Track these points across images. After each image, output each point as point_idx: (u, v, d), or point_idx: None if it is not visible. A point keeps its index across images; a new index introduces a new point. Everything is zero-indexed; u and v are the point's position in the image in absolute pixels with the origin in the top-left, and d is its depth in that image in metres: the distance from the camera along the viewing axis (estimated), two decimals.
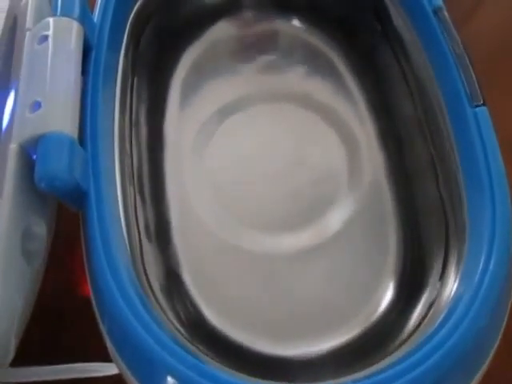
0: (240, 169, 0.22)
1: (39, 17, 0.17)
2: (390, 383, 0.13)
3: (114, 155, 0.18)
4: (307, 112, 0.23)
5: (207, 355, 0.17)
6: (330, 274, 0.20)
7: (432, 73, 0.19)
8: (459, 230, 0.17)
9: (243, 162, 0.22)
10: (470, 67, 0.17)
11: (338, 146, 0.22)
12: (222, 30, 0.25)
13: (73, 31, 0.17)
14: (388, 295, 0.19)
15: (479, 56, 0.19)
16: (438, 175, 0.19)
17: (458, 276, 0.16)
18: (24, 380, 0.17)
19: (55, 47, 0.16)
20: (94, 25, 0.19)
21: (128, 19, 0.21)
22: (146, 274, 0.18)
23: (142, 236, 0.19)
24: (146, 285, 0.17)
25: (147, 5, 0.22)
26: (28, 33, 0.17)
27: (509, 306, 0.16)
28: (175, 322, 0.18)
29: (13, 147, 0.15)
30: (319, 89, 0.23)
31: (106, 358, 0.19)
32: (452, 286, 0.16)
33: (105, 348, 0.16)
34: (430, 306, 0.17)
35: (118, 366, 0.16)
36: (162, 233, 0.20)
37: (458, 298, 0.15)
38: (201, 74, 0.24)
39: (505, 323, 0.16)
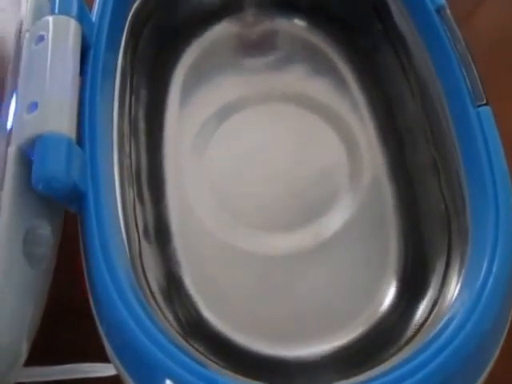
0: (240, 169, 0.22)
1: (38, 17, 0.17)
2: None
3: (112, 156, 0.18)
4: (307, 112, 0.23)
5: (207, 357, 0.17)
6: (330, 275, 0.20)
7: (434, 72, 0.19)
8: (462, 231, 0.17)
9: (243, 163, 0.22)
10: (473, 66, 0.17)
11: (338, 145, 0.22)
12: (222, 30, 0.25)
13: (70, 30, 0.17)
14: (389, 296, 0.19)
15: (480, 55, 0.19)
16: (440, 176, 0.19)
17: (461, 278, 0.16)
18: (30, 380, 0.17)
19: (52, 46, 0.16)
20: (93, 23, 0.19)
21: (127, 18, 0.21)
22: (145, 276, 0.18)
23: (141, 237, 0.19)
24: (146, 287, 0.17)
25: (146, 3, 0.22)
26: (27, 34, 0.17)
27: None
28: (174, 323, 0.18)
29: (11, 150, 0.15)
30: (320, 88, 0.23)
31: (105, 359, 0.19)
32: (454, 287, 0.16)
33: (103, 349, 0.16)
34: (432, 307, 0.17)
35: (117, 369, 0.16)
36: (161, 234, 0.20)
37: (460, 300, 0.15)
38: (201, 74, 0.24)
39: (508, 326, 0.16)
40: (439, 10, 0.18)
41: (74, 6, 0.17)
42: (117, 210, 0.17)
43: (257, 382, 0.15)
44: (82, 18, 0.18)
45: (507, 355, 0.16)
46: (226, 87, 0.23)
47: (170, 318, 0.18)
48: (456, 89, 0.17)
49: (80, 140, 0.16)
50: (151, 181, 0.21)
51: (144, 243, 0.19)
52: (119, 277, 0.15)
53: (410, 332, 0.17)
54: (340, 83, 0.23)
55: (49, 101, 0.15)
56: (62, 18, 0.17)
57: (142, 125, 0.22)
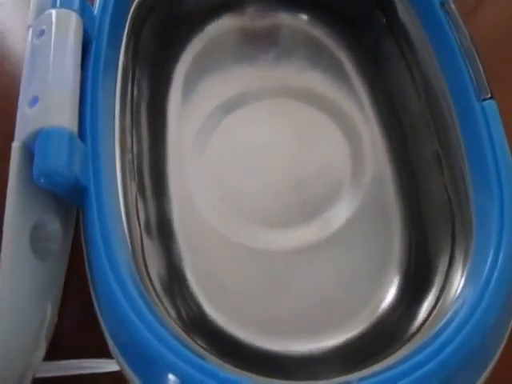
0: (242, 164, 0.22)
1: (40, 11, 0.17)
2: (396, 382, 0.13)
3: (114, 150, 0.18)
4: (310, 106, 0.23)
5: (208, 352, 0.17)
6: (333, 271, 0.20)
7: (438, 66, 0.19)
8: (466, 225, 0.17)
9: (245, 157, 0.22)
10: (478, 60, 0.17)
11: (341, 140, 0.22)
12: (224, 24, 0.24)
13: (72, 24, 0.17)
14: (392, 292, 0.19)
15: (484, 50, 0.19)
16: (444, 170, 0.19)
17: (465, 273, 0.16)
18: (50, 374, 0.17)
19: (54, 40, 0.16)
20: (94, 17, 0.19)
21: (129, 12, 0.21)
22: (146, 271, 0.18)
23: (142, 232, 0.19)
24: (147, 281, 0.17)
25: None
26: (30, 29, 0.17)
27: None
28: (176, 318, 0.18)
29: (15, 145, 0.15)
30: (322, 83, 0.23)
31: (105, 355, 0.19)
32: (459, 282, 0.16)
33: (104, 345, 0.16)
34: (436, 303, 0.17)
35: (119, 364, 0.16)
36: (163, 229, 0.20)
37: (465, 295, 0.15)
38: (203, 69, 0.24)
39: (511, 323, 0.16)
40: (443, 3, 0.18)
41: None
42: (119, 205, 0.17)
43: (258, 376, 0.15)
44: (84, 11, 0.18)
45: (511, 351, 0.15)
46: (229, 81, 0.23)
47: (172, 312, 0.18)
48: (460, 83, 0.17)
49: (82, 134, 0.16)
50: (153, 175, 0.21)
51: (146, 238, 0.19)
52: (121, 271, 0.15)
53: (413, 328, 0.17)
54: (343, 78, 0.23)
55: (50, 95, 0.15)
56: (64, 11, 0.17)
57: (143, 119, 0.22)
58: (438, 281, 0.17)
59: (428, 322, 0.16)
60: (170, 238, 0.20)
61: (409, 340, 0.16)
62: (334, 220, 0.20)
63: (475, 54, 0.17)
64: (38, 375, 0.18)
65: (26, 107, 0.15)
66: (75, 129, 0.16)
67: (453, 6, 0.18)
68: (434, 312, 0.16)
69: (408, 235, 0.20)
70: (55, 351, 0.18)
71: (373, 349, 0.17)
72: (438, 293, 0.17)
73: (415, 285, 0.19)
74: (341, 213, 0.21)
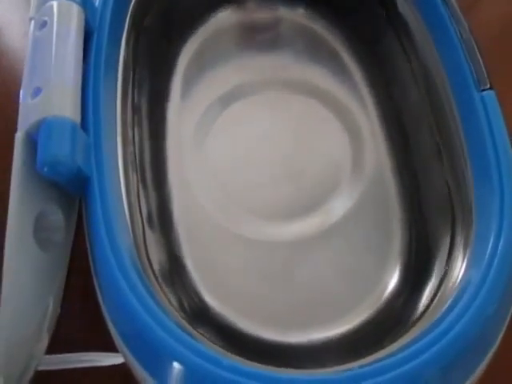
0: (242, 157, 0.22)
1: (42, 3, 0.17)
2: (397, 368, 0.13)
3: (116, 142, 0.18)
4: (310, 99, 0.23)
5: (209, 340, 0.17)
6: (334, 261, 0.20)
7: (438, 58, 0.19)
8: (466, 214, 0.17)
9: (245, 150, 0.22)
10: (477, 51, 0.17)
11: (341, 133, 0.22)
12: (224, 18, 0.24)
13: (73, 15, 0.17)
14: (394, 281, 0.19)
15: (482, 44, 0.19)
16: (444, 161, 0.19)
17: (465, 260, 0.16)
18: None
19: (55, 31, 0.16)
20: (96, 8, 0.19)
21: (130, 4, 0.21)
22: (149, 260, 0.18)
23: (144, 222, 0.19)
24: (149, 270, 0.17)
25: None
26: (32, 21, 0.17)
27: None
28: (177, 307, 0.18)
29: (18, 135, 0.15)
30: (322, 76, 0.23)
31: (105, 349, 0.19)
32: (459, 270, 0.16)
33: (103, 338, 0.16)
34: (437, 291, 0.17)
35: (122, 352, 0.16)
36: (163, 220, 0.20)
37: (465, 282, 0.15)
38: (203, 62, 0.24)
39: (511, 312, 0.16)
40: None
41: None
42: (121, 195, 0.17)
43: (260, 365, 0.15)
44: (85, 2, 0.18)
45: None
46: (228, 75, 0.23)
47: (173, 301, 0.18)
48: (460, 74, 0.17)
49: (84, 125, 0.16)
50: (154, 167, 0.21)
51: (147, 228, 0.19)
52: (124, 260, 0.15)
53: (414, 316, 0.17)
54: (342, 71, 0.23)
55: (52, 85, 0.15)
56: (65, 2, 0.17)
57: (144, 112, 0.22)
58: (438, 269, 0.18)
59: (429, 309, 0.16)
60: (171, 229, 0.20)
61: (411, 327, 0.16)
62: (334, 212, 0.21)
63: (474, 45, 0.17)
64: (40, 368, 0.18)
65: (29, 98, 0.15)
66: (78, 119, 0.16)
67: None
68: (435, 300, 0.17)
69: (408, 225, 0.20)
70: (54, 344, 0.18)
71: (376, 337, 0.17)
72: (438, 281, 0.17)
73: (416, 273, 0.19)
74: (341, 204, 0.21)
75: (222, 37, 0.24)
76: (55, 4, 0.17)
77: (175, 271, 0.19)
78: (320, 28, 0.24)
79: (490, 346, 0.15)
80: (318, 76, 0.23)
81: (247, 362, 0.15)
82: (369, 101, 0.23)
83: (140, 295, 0.15)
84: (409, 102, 0.21)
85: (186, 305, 0.19)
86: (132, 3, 0.21)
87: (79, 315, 0.21)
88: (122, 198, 0.17)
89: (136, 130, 0.21)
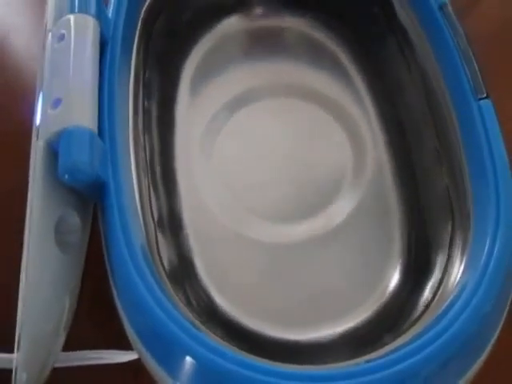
0: (247, 161, 0.23)
1: (59, 17, 0.18)
2: (399, 363, 0.14)
3: (129, 147, 0.19)
4: (313, 105, 0.24)
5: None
6: (338, 261, 0.21)
7: (437, 66, 0.19)
8: (464, 217, 0.18)
9: (250, 154, 0.23)
10: (474, 61, 0.18)
11: (343, 137, 0.23)
12: (230, 26, 0.25)
13: (89, 28, 0.18)
14: (395, 281, 0.20)
15: (478, 48, 0.19)
16: (443, 163, 0.20)
17: (464, 262, 0.17)
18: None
19: (73, 44, 0.17)
20: (109, 20, 0.19)
21: (140, 15, 0.22)
22: (161, 261, 0.19)
23: (156, 225, 0.20)
24: (162, 270, 0.18)
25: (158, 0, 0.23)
26: (49, 33, 0.17)
27: None
28: (188, 306, 0.18)
29: (39, 144, 0.16)
30: (324, 82, 0.24)
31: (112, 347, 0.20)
32: (458, 270, 0.17)
33: (111, 337, 0.17)
34: (437, 290, 0.18)
35: (138, 350, 0.16)
36: (173, 221, 0.21)
37: (463, 282, 0.16)
38: (210, 68, 0.24)
39: (508, 307, 0.16)
40: (441, 7, 0.19)
41: (92, 4, 0.18)
42: (134, 199, 0.18)
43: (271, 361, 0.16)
44: (100, 15, 0.18)
45: (508, 335, 0.16)
46: (235, 81, 0.24)
47: (183, 301, 0.19)
48: (458, 83, 0.18)
49: (100, 132, 0.17)
50: (164, 171, 0.22)
51: (159, 230, 0.20)
52: (140, 261, 0.16)
53: (415, 314, 0.18)
54: (344, 77, 0.24)
55: (71, 96, 0.16)
56: (82, 16, 0.18)
57: (154, 117, 0.23)
58: (437, 270, 0.18)
59: (429, 308, 0.17)
60: (180, 230, 0.21)
61: (412, 325, 0.17)
62: (336, 214, 0.21)
63: (472, 55, 0.18)
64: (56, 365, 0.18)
65: (49, 108, 0.16)
66: (95, 128, 0.17)
67: (450, 8, 0.19)
68: (435, 299, 0.17)
69: (408, 227, 0.21)
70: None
71: (379, 334, 0.18)
72: (438, 281, 0.18)
73: (416, 273, 0.19)
74: (343, 207, 0.22)
75: (228, 44, 0.25)
76: (72, 18, 0.17)
77: (185, 271, 0.20)
78: (323, 36, 0.25)
79: (488, 342, 0.16)
80: (321, 82, 0.24)
81: (258, 358, 0.16)
82: (370, 106, 0.23)
83: (155, 293, 0.15)
84: (409, 109, 0.22)
85: (194, 303, 0.19)
86: (142, 13, 0.22)
87: (88, 316, 0.22)
88: (135, 202, 0.18)
89: (147, 135, 0.21)
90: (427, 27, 0.20)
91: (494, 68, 0.22)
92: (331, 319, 0.19)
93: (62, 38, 0.17)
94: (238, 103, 0.24)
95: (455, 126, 0.18)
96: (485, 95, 0.17)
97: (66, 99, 0.16)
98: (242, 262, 0.21)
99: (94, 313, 0.23)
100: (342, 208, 0.22)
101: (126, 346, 0.18)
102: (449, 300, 0.16)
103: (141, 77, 0.22)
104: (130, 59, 0.21)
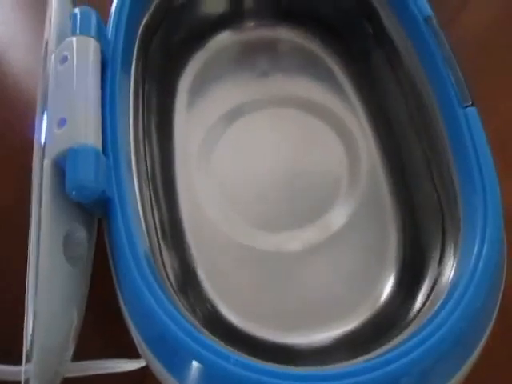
0: (246, 171, 0.23)
1: (62, 38, 0.18)
2: (398, 360, 0.15)
3: (131, 162, 0.20)
4: (307, 115, 0.24)
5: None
6: (335, 267, 0.21)
7: (425, 76, 0.20)
8: (454, 221, 0.18)
9: (249, 164, 0.24)
10: (459, 71, 0.19)
11: (338, 145, 0.24)
12: (224, 39, 0.26)
13: (91, 49, 0.18)
14: (390, 284, 0.21)
15: (464, 57, 0.20)
16: (433, 171, 0.20)
17: (455, 264, 0.17)
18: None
19: (76, 66, 0.18)
20: (108, 40, 0.20)
21: (137, 33, 0.23)
22: (165, 271, 0.19)
23: (159, 235, 0.20)
24: (167, 280, 0.19)
25: (154, 18, 0.24)
26: (52, 55, 0.18)
27: (502, 288, 0.17)
28: (193, 315, 0.19)
29: (46, 163, 0.16)
30: (318, 92, 0.25)
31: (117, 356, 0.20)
32: (450, 271, 0.17)
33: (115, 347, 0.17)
34: (431, 290, 0.18)
35: (145, 357, 0.17)
36: (175, 233, 0.22)
37: (455, 282, 0.17)
38: (206, 81, 0.25)
39: (498, 305, 0.17)
40: (426, 19, 0.20)
41: (93, 26, 0.19)
42: (138, 211, 0.19)
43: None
44: (100, 36, 0.19)
45: (500, 331, 0.17)
46: (230, 92, 0.25)
47: (188, 310, 0.19)
48: (445, 92, 0.19)
49: (103, 148, 0.18)
50: (164, 183, 0.23)
51: (162, 242, 0.20)
52: (147, 273, 0.16)
53: (411, 315, 0.18)
54: (337, 87, 0.25)
55: (76, 116, 0.17)
56: (83, 38, 0.18)
57: (154, 132, 0.23)
58: (431, 272, 0.19)
59: (424, 309, 0.18)
60: (183, 241, 0.22)
61: (407, 325, 0.17)
62: (333, 221, 0.22)
63: (457, 65, 0.19)
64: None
65: (55, 127, 0.17)
66: (100, 145, 0.17)
67: (435, 21, 0.20)
68: (429, 300, 0.18)
69: (403, 232, 0.21)
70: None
71: (375, 336, 0.18)
72: (431, 283, 0.19)
73: (411, 277, 0.20)
74: (339, 215, 0.22)
75: (223, 57, 0.26)
76: (74, 40, 0.18)
77: (188, 280, 0.21)
78: (315, 47, 0.26)
79: (480, 338, 0.17)
80: (315, 92, 0.25)
81: (262, 361, 0.17)
82: (362, 114, 0.24)
83: (161, 301, 0.16)
84: (399, 116, 0.23)
85: (198, 311, 0.20)
86: (139, 32, 0.23)
87: (92, 326, 0.23)
88: (139, 214, 0.19)
89: (147, 148, 0.22)
90: (414, 39, 0.21)
91: (481, 68, 0.23)
92: (331, 322, 0.20)
93: (65, 59, 0.18)
94: (235, 114, 0.24)
95: (443, 133, 0.19)
96: (470, 103, 0.18)
97: (70, 119, 0.17)
98: (243, 271, 0.21)
99: (99, 323, 0.23)
100: (338, 215, 0.22)
101: (130, 354, 0.19)
102: (441, 300, 0.17)
103: (140, 92, 0.23)
104: (130, 76, 0.21)
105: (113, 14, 0.21)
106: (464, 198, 0.18)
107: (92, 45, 0.18)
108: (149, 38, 0.24)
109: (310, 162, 0.24)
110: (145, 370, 0.19)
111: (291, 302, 0.21)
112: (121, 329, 0.18)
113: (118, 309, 0.18)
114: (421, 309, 0.18)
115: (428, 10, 0.20)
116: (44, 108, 0.17)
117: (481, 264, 0.16)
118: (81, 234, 0.18)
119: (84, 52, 0.18)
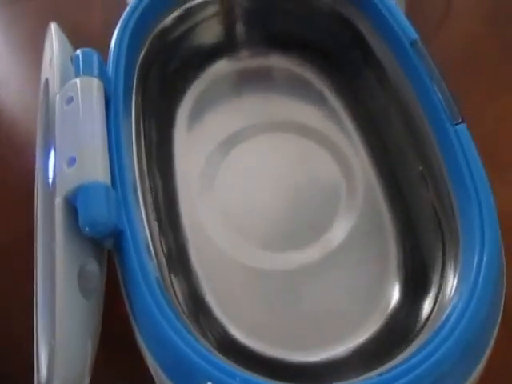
0: (246, 194, 0.24)
1: (64, 78, 0.19)
2: (410, 372, 0.15)
3: (137, 192, 0.20)
4: (302, 138, 0.25)
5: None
6: (339, 283, 0.22)
7: (415, 97, 0.21)
8: (453, 233, 0.19)
9: (249, 188, 0.24)
10: (447, 91, 0.20)
11: (333, 166, 0.24)
12: (220, 69, 0.27)
13: (94, 88, 0.19)
14: (395, 297, 0.21)
15: (448, 69, 0.21)
16: (429, 186, 0.21)
17: (457, 274, 0.18)
18: None
19: (81, 106, 0.18)
20: (109, 78, 0.21)
21: (136, 68, 0.23)
22: (176, 298, 0.20)
23: (167, 263, 0.21)
24: (178, 307, 0.19)
25: (150, 52, 0.24)
26: (57, 96, 0.19)
27: (503, 295, 0.18)
28: (205, 339, 0.20)
29: (58, 201, 0.17)
30: (312, 116, 0.26)
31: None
32: (452, 283, 0.18)
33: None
34: (435, 303, 0.19)
35: (159, 380, 0.17)
36: (183, 261, 0.22)
37: (458, 294, 0.17)
38: (203, 110, 0.26)
39: (501, 312, 0.18)
40: (412, 43, 0.21)
41: (95, 66, 0.20)
42: (148, 242, 0.19)
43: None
44: (102, 75, 0.20)
45: (506, 339, 0.18)
46: (228, 120, 0.26)
47: (201, 335, 0.20)
48: (435, 111, 0.20)
49: (112, 183, 0.18)
50: (169, 212, 0.23)
51: (171, 269, 0.21)
52: (161, 301, 0.17)
53: (417, 327, 0.19)
54: (329, 110, 0.26)
55: (85, 154, 0.17)
56: (86, 78, 0.19)
57: (155, 162, 0.24)
58: (434, 284, 0.20)
59: (430, 320, 0.18)
60: (190, 268, 0.22)
61: (415, 338, 0.18)
62: (334, 238, 0.23)
63: (444, 85, 0.20)
64: None
65: (65, 166, 0.17)
66: (109, 180, 0.18)
67: (421, 44, 0.21)
68: (434, 311, 0.19)
69: (403, 246, 0.22)
70: None
71: (385, 349, 0.19)
72: (435, 295, 0.19)
73: (414, 290, 0.21)
74: (340, 232, 0.23)
75: (219, 85, 0.27)
76: (78, 81, 0.19)
77: (198, 306, 0.21)
78: (306, 72, 0.27)
79: (487, 345, 0.17)
80: (308, 115, 0.26)
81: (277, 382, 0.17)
82: (355, 135, 0.25)
83: (175, 326, 0.16)
84: (392, 135, 0.24)
85: (210, 335, 0.20)
86: (137, 67, 0.24)
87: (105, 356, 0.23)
88: (149, 245, 0.19)
89: (151, 177, 0.23)
90: (402, 62, 0.22)
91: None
92: (340, 339, 0.20)
93: (70, 100, 0.18)
94: (233, 140, 0.25)
95: (436, 149, 0.20)
96: (460, 120, 0.19)
97: (80, 157, 0.17)
98: (251, 292, 0.22)
99: (111, 352, 0.23)
100: (338, 232, 0.23)
101: (140, 382, 0.19)
102: (447, 310, 0.17)
103: (141, 124, 0.23)
104: (131, 110, 0.22)
105: (112, 52, 0.22)
106: (460, 210, 0.19)
107: (95, 84, 0.19)
108: (146, 72, 0.24)
109: (308, 183, 0.24)
110: None
111: (300, 320, 0.21)
112: (133, 358, 0.18)
113: (127, 338, 0.18)
114: (428, 318, 0.19)
115: (413, 33, 0.21)
116: (48, 147, 0.18)
117: (482, 273, 0.17)
118: (93, 266, 0.18)
119: (88, 92, 0.19)
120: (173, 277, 0.21)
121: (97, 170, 0.17)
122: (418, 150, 0.22)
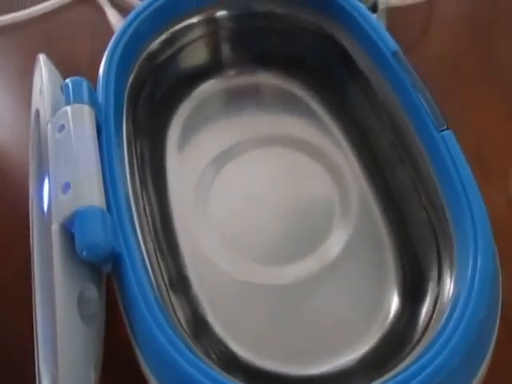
0: (242, 210, 0.24)
1: (55, 107, 0.19)
2: (411, 380, 0.15)
3: (133, 216, 0.20)
4: (293, 152, 0.26)
5: None
6: (338, 294, 0.22)
7: (400, 106, 0.22)
8: (447, 238, 0.19)
9: (242, 205, 0.24)
10: (431, 98, 0.20)
11: (326, 178, 0.25)
12: (208, 89, 0.27)
13: (85, 115, 0.19)
14: (394, 306, 0.21)
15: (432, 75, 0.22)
16: (421, 193, 0.21)
17: (453, 279, 0.18)
18: None
19: (73, 133, 0.19)
20: (100, 104, 0.21)
21: (125, 93, 0.24)
22: (178, 319, 0.20)
23: (167, 286, 0.21)
24: (180, 328, 0.19)
25: (139, 76, 0.25)
26: (49, 124, 0.19)
27: (500, 297, 0.18)
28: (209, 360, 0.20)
29: (55, 227, 0.17)
30: (301, 129, 0.26)
31: None
32: (449, 288, 0.18)
33: None
34: (433, 309, 0.19)
35: None
36: (182, 282, 0.22)
37: (456, 297, 0.17)
38: (193, 130, 0.26)
39: (499, 313, 0.18)
40: (394, 54, 0.22)
41: (85, 93, 0.20)
42: (146, 264, 0.19)
43: None
44: (93, 102, 0.20)
45: (506, 341, 0.18)
46: (219, 137, 0.26)
47: (204, 354, 0.20)
48: (421, 118, 0.20)
49: (107, 207, 0.19)
50: (165, 233, 0.23)
51: (171, 291, 0.21)
52: (160, 318, 0.17)
53: (418, 333, 0.19)
54: (318, 123, 0.26)
55: (79, 180, 0.18)
56: (77, 106, 0.19)
57: (149, 183, 0.24)
58: (431, 290, 0.20)
59: (429, 326, 0.19)
60: (189, 289, 0.22)
61: (416, 344, 0.18)
62: (330, 250, 0.23)
63: (428, 94, 0.20)
64: None
65: (60, 193, 0.18)
66: (104, 204, 0.18)
67: (402, 55, 0.21)
68: (433, 317, 0.19)
69: (399, 254, 0.22)
70: None
71: (386, 359, 0.19)
72: (433, 300, 0.19)
73: (413, 298, 0.21)
74: (336, 243, 0.23)
75: (209, 104, 0.27)
76: (69, 108, 0.19)
77: (199, 325, 0.21)
78: (293, 87, 0.27)
79: (487, 347, 0.17)
80: (298, 129, 0.26)
81: None
82: (346, 146, 0.25)
83: (179, 348, 0.16)
84: (381, 144, 0.24)
85: (213, 354, 0.20)
86: (126, 91, 0.24)
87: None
88: (147, 266, 0.19)
89: (146, 201, 0.23)
90: (385, 73, 0.22)
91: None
92: (343, 350, 0.20)
93: (62, 128, 0.19)
94: (225, 157, 0.26)
95: (424, 156, 0.20)
96: (445, 127, 0.20)
97: (74, 183, 0.17)
98: (252, 308, 0.22)
99: (114, 378, 0.23)
100: (335, 243, 0.23)
101: None
102: (446, 314, 0.17)
103: (133, 147, 0.23)
104: (122, 134, 0.23)
105: (101, 79, 0.22)
106: (452, 216, 0.19)
107: (86, 111, 0.19)
108: (136, 96, 0.25)
109: (302, 196, 0.25)
110: None
111: (302, 334, 0.21)
112: (136, 383, 0.18)
113: (128, 362, 0.18)
114: (427, 325, 0.19)
115: (394, 45, 0.22)
116: (41, 175, 0.18)
117: (477, 276, 0.17)
118: (92, 291, 0.19)
119: (80, 119, 0.19)
120: (172, 297, 0.21)
121: (92, 194, 0.18)
122: (406, 158, 0.22)
